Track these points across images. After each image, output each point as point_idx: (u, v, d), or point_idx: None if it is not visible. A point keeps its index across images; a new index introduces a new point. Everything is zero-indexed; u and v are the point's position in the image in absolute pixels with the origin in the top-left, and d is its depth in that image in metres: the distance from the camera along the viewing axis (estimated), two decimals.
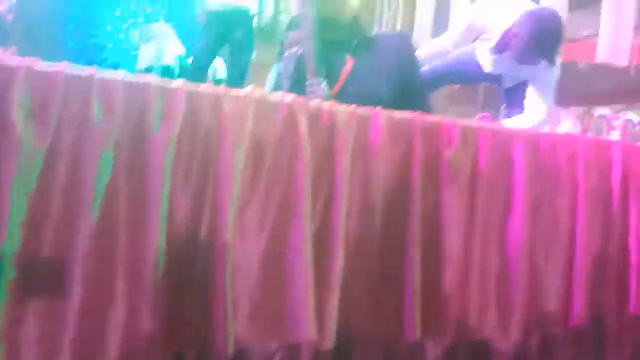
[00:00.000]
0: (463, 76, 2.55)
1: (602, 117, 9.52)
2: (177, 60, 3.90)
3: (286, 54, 2.11)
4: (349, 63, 2.03)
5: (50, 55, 1.16)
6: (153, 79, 1.15)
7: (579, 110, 9.04)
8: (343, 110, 1.40)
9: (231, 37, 3.31)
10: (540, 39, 2.13)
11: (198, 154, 1.17)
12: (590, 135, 9.12)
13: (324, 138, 1.35)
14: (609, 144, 1.88)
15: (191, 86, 1.21)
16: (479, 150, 1.60)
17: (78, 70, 1.09)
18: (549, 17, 2.20)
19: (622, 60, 4.35)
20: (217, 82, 4.07)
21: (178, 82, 1.18)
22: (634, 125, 9.28)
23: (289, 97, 1.32)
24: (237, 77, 3.43)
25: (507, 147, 1.65)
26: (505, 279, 1.66)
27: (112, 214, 1.10)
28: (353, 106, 1.43)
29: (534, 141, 1.70)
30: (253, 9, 3.34)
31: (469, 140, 1.59)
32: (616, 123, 9.44)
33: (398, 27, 6.32)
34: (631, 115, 9.17)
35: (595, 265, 1.81)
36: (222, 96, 1.22)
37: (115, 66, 5.66)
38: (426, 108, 2.09)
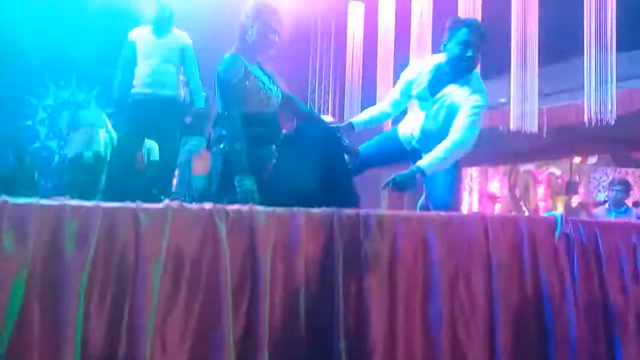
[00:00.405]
0: (385, 157, 2.71)
1: (527, 172, 10.23)
2: (107, 147, 3.92)
3: (213, 149, 2.17)
4: (275, 156, 2.12)
5: None
6: (67, 201, 1.18)
7: (506, 167, 9.65)
8: (262, 211, 1.47)
9: (157, 124, 3.40)
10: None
11: (114, 273, 1.19)
12: (517, 191, 9.72)
13: (244, 242, 1.40)
14: (515, 219, 2.04)
15: (106, 204, 1.24)
16: (395, 238, 1.70)
17: None
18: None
19: (532, 124, 4.74)
20: (151, 162, 4.15)
21: (92, 203, 1.21)
22: (557, 178, 10.02)
23: (208, 205, 1.38)
24: (167, 162, 3.52)
25: (421, 231, 1.76)
26: (431, 357, 1.73)
27: (24, 341, 1.08)
28: (272, 208, 1.49)
29: (446, 223, 1.82)
30: (180, 97, 3.45)
31: (385, 228, 1.69)
32: (541, 177, 10.17)
33: (329, 105, 6.67)
34: (554, 169, 9.92)
35: (515, 333, 1.91)
36: (138, 211, 1.26)
37: (47, 151, 5.62)
38: (353, 195, 2.18)
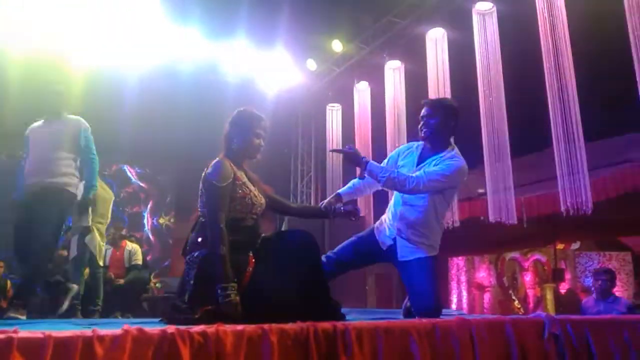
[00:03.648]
0: (361, 259, 2.66)
1: (513, 260, 10.18)
2: None
3: (188, 257, 2.08)
4: (251, 263, 2.03)
5: None
6: (13, 334, 1.08)
7: (491, 256, 9.61)
8: (230, 332, 1.37)
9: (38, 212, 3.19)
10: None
11: None
12: (504, 279, 9.60)
13: None
14: (501, 322, 1.94)
15: (57, 334, 1.14)
16: (376, 351, 1.60)
17: None
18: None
19: (511, 215, 4.77)
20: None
21: (42, 334, 1.11)
22: (543, 264, 9.96)
23: (170, 328, 1.29)
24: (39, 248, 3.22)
25: (404, 343, 1.66)
26: None
27: None
28: (241, 327, 1.40)
29: (429, 331, 1.73)
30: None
31: (365, 341, 1.58)
32: (527, 265, 10.10)
33: (312, 197, 6.73)
34: (539, 255, 9.89)
35: None
36: (92, 339, 1.16)
37: None
38: (330, 301, 2.08)
